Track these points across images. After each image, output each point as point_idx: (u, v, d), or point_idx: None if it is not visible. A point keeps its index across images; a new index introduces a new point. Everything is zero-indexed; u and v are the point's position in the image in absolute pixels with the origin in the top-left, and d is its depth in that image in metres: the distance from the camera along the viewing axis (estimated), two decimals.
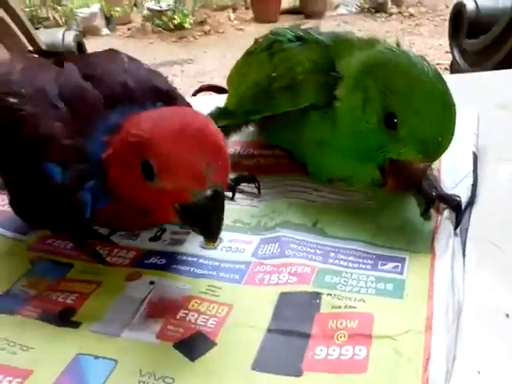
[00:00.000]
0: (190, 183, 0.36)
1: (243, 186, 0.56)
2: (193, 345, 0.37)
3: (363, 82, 0.46)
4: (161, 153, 0.36)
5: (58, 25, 4.89)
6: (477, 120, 0.60)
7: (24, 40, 1.57)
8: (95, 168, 0.41)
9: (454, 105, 0.45)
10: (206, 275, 0.44)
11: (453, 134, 0.45)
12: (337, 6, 5.00)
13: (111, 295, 0.42)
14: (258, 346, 0.36)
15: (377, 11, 4.74)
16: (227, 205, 0.53)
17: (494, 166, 0.56)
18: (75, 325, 0.40)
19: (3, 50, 1.56)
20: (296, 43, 0.54)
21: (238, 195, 0.55)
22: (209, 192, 0.36)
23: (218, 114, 0.61)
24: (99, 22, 5.02)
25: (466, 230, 0.47)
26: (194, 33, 4.68)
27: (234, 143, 0.66)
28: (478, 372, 0.33)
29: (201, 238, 0.48)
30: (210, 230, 0.38)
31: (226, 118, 0.59)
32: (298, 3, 4.94)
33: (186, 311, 0.40)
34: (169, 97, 0.46)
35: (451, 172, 0.54)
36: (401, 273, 0.42)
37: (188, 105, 0.49)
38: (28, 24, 1.63)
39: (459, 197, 0.48)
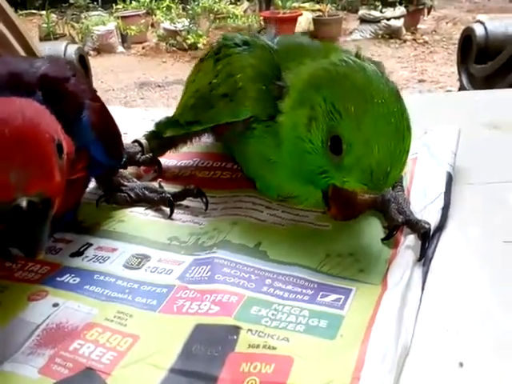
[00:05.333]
0: None
1: (189, 200, 0.50)
2: None
3: (310, 98, 0.40)
4: None
5: (74, 41, 4.96)
6: (457, 137, 0.53)
7: (21, 51, 1.55)
8: None
9: (409, 131, 0.38)
10: (118, 299, 0.38)
11: (404, 165, 0.38)
12: (351, 32, 4.99)
13: (7, 318, 0.36)
14: None
15: (391, 37, 4.72)
16: (166, 221, 0.48)
17: (472, 189, 0.50)
18: None
19: None
20: (242, 48, 0.48)
21: (180, 211, 0.49)
22: (21, 203, 0.31)
23: (164, 124, 0.55)
24: (115, 39, 5.08)
25: (430, 260, 0.41)
26: None
27: (193, 154, 0.60)
28: None
29: (126, 257, 0.43)
30: (22, 244, 0.32)
31: (171, 129, 0.53)
32: (312, 27, 4.95)
33: (82, 342, 0.34)
34: (57, 86, 0.42)
35: (422, 192, 0.47)
36: (341, 307, 0.35)
37: (80, 99, 0.43)
38: (27, 35, 1.61)
39: (429, 224, 0.41)
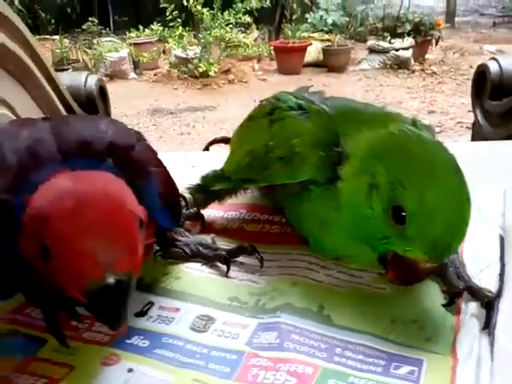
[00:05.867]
0: (83, 271, 0.32)
1: (243, 256, 0.51)
2: None
3: (371, 167, 0.41)
4: (54, 235, 0.33)
5: (86, 67, 5.05)
6: (503, 198, 0.55)
7: (44, 82, 1.58)
8: (17, 228, 0.37)
9: (469, 201, 0.39)
10: (192, 365, 0.38)
11: (465, 235, 0.40)
12: (360, 62, 5.06)
13: (83, 383, 0.37)
14: None
15: (399, 68, 4.79)
16: (222, 278, 0.49)
17: None
18: None
19: (22, 91, 1.56)
20: (297, 112, 0.49)
21: (235, 268, 0.50)
22: (109, 281, 0.32)
23: (213, 178, 0.57)
24: (127, 66, 5.16)
25: (494, 327, 0.41)
26: (218, 81, 4.77)
27: (239, 206, 0.62)
28: None
29: (191, 319, 0.44)
30: (107, 320, 0.34)
31: (221, 183, 0.55)
32: (321, 57, 5.02)
33: None
34: (126, 155, 0.43)
35: (475, 255, 0.48)
36: (416, 381, 0.36)
37: (147, 167, 0.45)
38: (49, 66, 1.64)
39: (491, 292, 0.42)
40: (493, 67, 2.03)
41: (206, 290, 0.47)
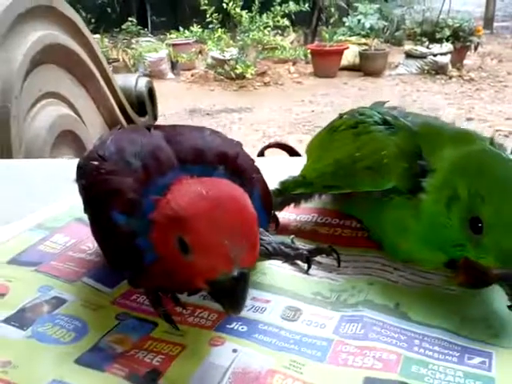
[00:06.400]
0: (217, 265, 0.38)
1: (320, 256, 0.57)
2: None
3: (454, 181, 0.46)
4: (194, 233, 0.39)
5: (126, 66, 5.18)
6: None
7: (103, 84, 1.67)
8: (145, 224, 0.43)
9: None
10: (288, 349, 0.44)
11: None
12: (396, 66, 5.06)
13: (196, 360, 0.43)
14: None
15: (437, 73, 4.77)
16: (304, 275, 0.55)
17: None
18: None
19: (84, 92, 1.66)
20: (382, 127, 0.54)
21: (314, 266, 0.56)
22: (234, 273, 0.38)
23: (294, 183, 0.62)
24: (165, 66, 5.28)
25: None
26: (254, 83, 4.85)
27: (311, 210, 0.67)
28: None
29: (281, 309, 0.50)
30: (232, 306, 0.40)
31: (302, 188, 0.60)
32: (357, 61, 5.04)
33: None
34: (234, 163, 0.49)
35: None
36: (489, 369, 0.41)
37: (251, 174, 0.50)
38: (107, 68, 1.74)
39: None
40: None
41: (292, 285, 0.53)
